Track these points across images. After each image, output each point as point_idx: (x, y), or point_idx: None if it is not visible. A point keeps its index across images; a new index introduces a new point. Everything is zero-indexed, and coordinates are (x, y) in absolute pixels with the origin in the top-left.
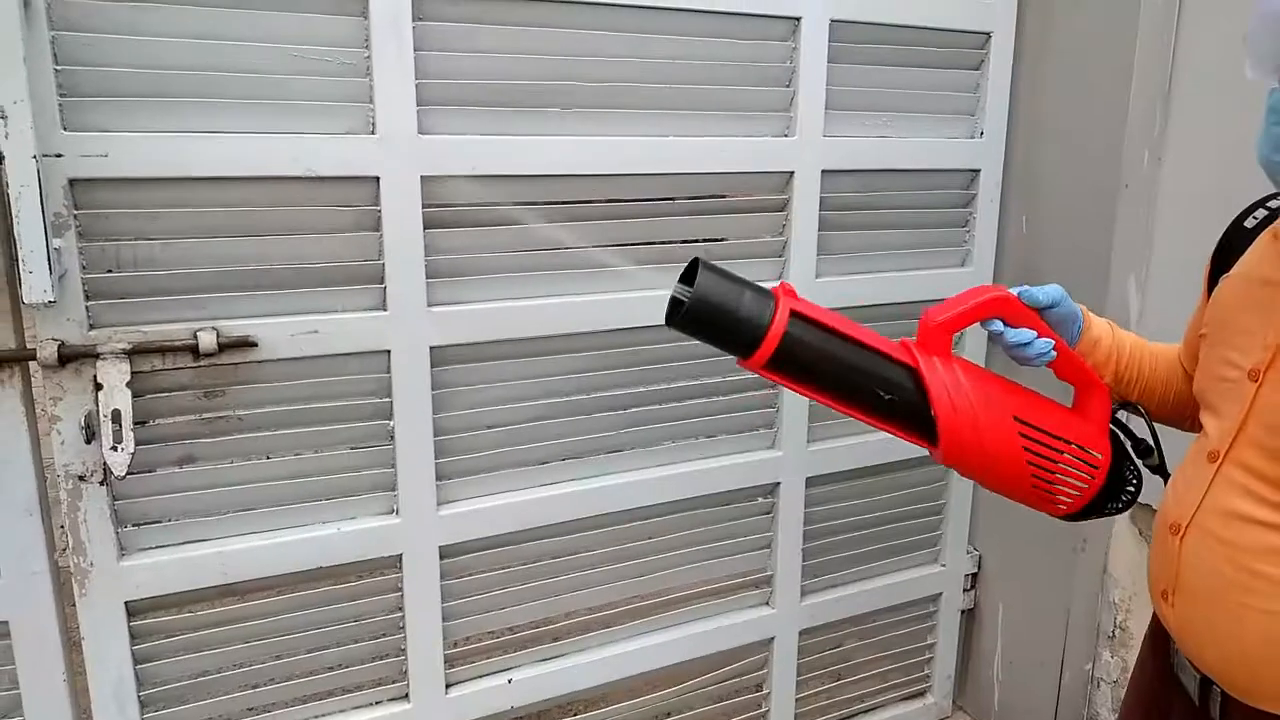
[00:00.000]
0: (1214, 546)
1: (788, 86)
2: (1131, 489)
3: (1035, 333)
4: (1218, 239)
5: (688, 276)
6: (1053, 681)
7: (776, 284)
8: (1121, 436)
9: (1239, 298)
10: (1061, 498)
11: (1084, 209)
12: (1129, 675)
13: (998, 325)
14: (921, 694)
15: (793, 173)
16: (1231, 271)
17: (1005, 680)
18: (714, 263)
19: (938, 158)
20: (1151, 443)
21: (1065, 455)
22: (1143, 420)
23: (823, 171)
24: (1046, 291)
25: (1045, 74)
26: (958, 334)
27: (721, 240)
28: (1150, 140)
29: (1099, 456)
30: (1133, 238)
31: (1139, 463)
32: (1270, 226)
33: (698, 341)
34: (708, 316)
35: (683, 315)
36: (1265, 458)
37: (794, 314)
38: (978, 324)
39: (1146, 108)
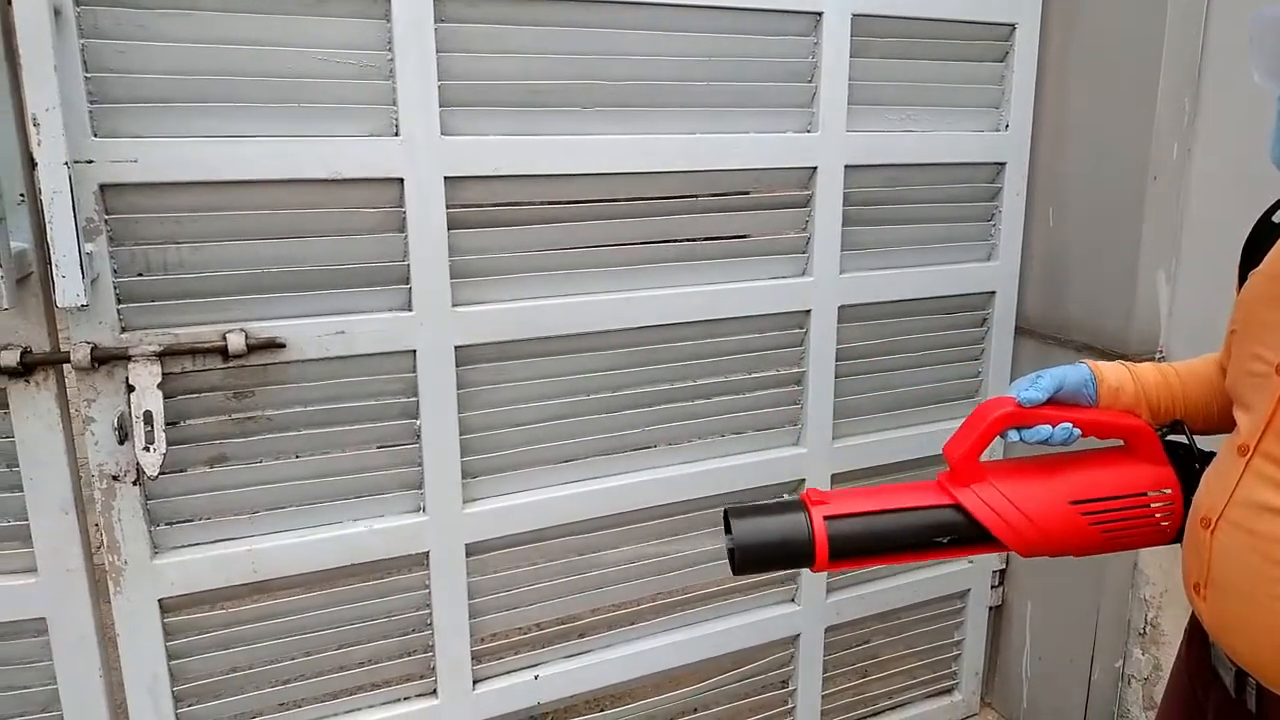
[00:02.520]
0: (1243, 539)
1: (810, 82)
2: None
3: (1050, 427)
4: (1247, 234)
5: (728, 527)
6: (1082, 679)
7: (803, 491)
8: (1182, 455)
9: (1265, 293)
10: (1149, 537)
11: (1111, 202)
12: (1160, 673)
13: (1013, 435)
14: (949, 691)
15: (815, 168)
16: (1259, 267)
17: (1034, 677)
18: (740, 506)
19: (962, 151)
20: (1203, 452)
21: (1131, 508)
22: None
23: (846, 166)
24: (1040, 387)
25: (1071, 65)
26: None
27: (745, 237)
28: (1179, 131)
29: (1166, 491)
30: (1162, 231)
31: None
32: None
33: (725, 338)
34: (757, 556)
35: (737, 565)
36: None
37: (827, 519)
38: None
39: (1175, 98)
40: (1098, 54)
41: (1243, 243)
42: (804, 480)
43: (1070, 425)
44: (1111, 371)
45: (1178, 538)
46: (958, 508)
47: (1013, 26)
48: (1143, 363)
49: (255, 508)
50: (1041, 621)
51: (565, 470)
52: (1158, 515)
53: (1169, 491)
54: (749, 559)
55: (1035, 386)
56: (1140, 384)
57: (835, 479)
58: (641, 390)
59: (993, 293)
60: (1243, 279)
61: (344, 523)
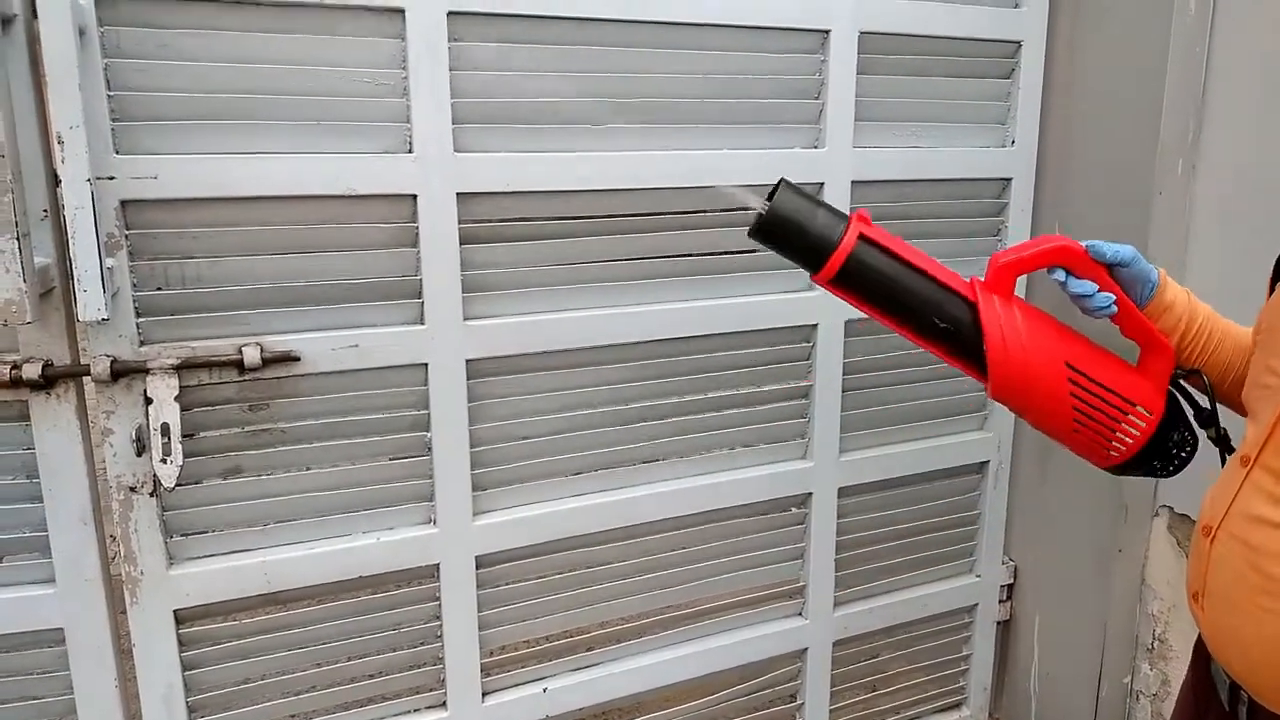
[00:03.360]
0: (1239, 550)
1: (817, 99)
2: (1183, 451)
3: (1096, 285)
4: (1261, 257)
5: (774, 194)
6: (1090, 694)
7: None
8: (1181, 400)
9: None
10: (1103, 445)
11: (1117, 217)
12: (1169, 688)
13: (1060, 274)
14: (957, 705)
15: (823, 184)
16: None
17: (1042, 692)
18: (796, 183)
19: (969, 167)
20: (1212, 411)
21: (1109, 405)
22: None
23: (852, 182)
24: (1116, 250)
25: (1076, 82)
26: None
27: (754, 251)
28: (1184, 148)
29: (1147, 413)
30: (1168, 246)
31: (1198, 430)
32: None
33: (733, 352)
34: (781, 230)
35: (757, 226)
36: None
37: (862, 236)
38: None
39: (1180, 115)
40: (1103, 71)
41: (1262, 271)
42: (811, 494)
43: (1113, 296)
44: (1174, 290)
45: (1118, 468)
46: (972, 305)
47: (1019, 44)
48: (1203, 304)
49: (269, 519)
50: (1049, 636)
51: (574, 483)
52: (1124, 431)
53: (1149, 415)
54: (771, 226)
55: (1108, 245)
56: (1189, 317)
57: (843, 492)
58: (650, 404)
59: None
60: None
61: (355, 535)
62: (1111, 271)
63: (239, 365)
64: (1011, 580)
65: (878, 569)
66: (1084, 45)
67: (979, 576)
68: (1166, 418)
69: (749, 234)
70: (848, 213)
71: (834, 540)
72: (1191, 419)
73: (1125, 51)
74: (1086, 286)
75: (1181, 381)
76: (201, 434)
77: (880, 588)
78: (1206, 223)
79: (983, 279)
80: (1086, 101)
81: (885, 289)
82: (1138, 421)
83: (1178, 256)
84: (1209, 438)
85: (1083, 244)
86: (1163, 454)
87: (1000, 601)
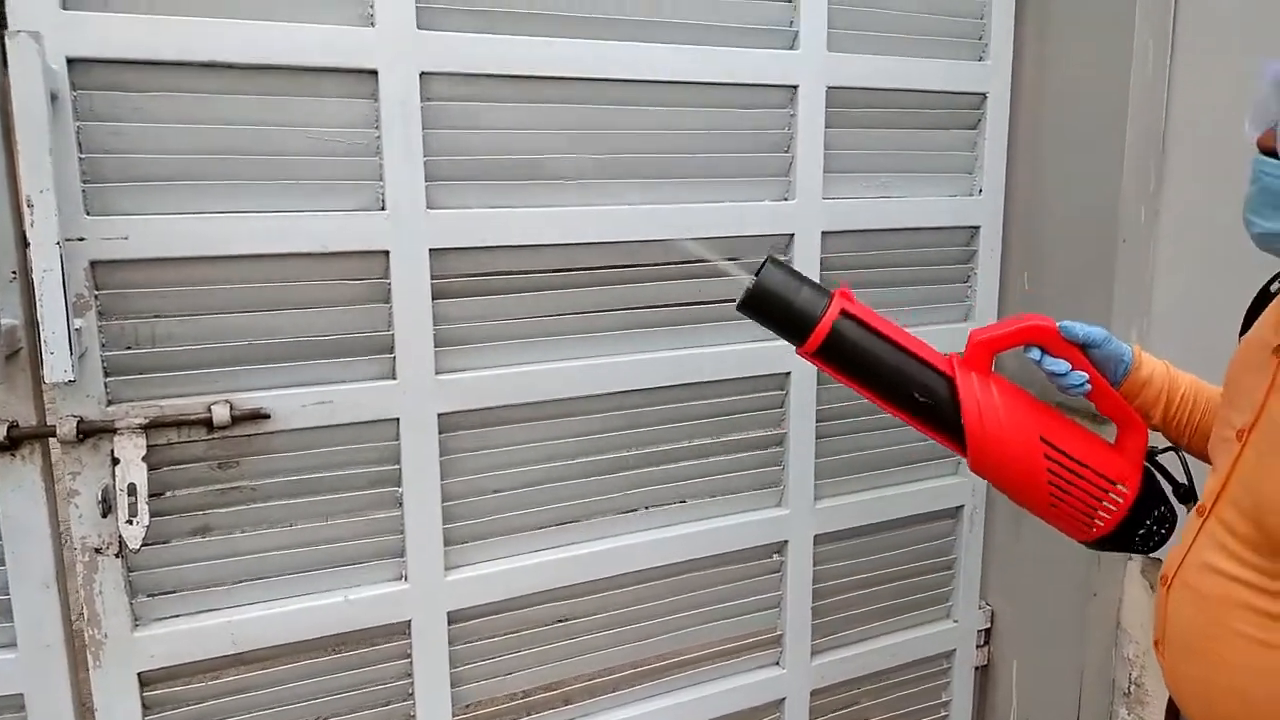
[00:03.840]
0: (1192, 599)
1: (787, 152)
2: (1161, 529)
3: (1069, 364)
4: (1224, 302)
5: (761, 270)
6: None
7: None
8: (1159, 477)
9: (1246, 359)
10: (1081, 521)
11: (1084, 264)
12: None
13: (1035, 353)
14: None
15: (793, 235)
16: (1247, 334)
17: None
18: (782, 259)
19: (937, 216)
20: (1190, 487)
21: (1085, 481)
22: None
23: (823, 233)
24: (1087, 331)
25: (1041, 132)
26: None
27: (727, 301)
28: (1146, 196)
29: (1124, 489)
30: (1132, 292)
31: (1176, 505)
32: None
33: (707, 401)
34: (766, 304)
35: (744, 299)
36: (1239, 514)
37: (844, 312)
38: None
39: (1141, 164)
40: (1066, 122)
41: (1225, 316)
42: (787, 542)
43: (1086, 375)
44: (1151, 366)
45: (1094, 544)
46: (950, 380)
47: (984, 95)
48: (1184, 374)
49: (237, 578)
50: (1028, 681)
51: (548, 535)
52: (1101, 505)
53: (1125, 491)
54: (757, 301)
55: (1080, 325)
56: (1169, 390)
57: (818, 539)
58: (624, 454)
59: None
60: None
61: (325, 592)
62: (1084, 351)
63: (208, 424)
64: (989, 625)
65: (855, 616)
66: (1047, 97)
67: (956, 622)
68: (1143, 494)
69: (737, 307)
70: (831, 290)
71: (810, 588)
72: (1170, 495)
73: (1087, 103)
74: (1060, 365)
75: (1157, 458)
76: (170, 493)
77: (858, 635)
78: (1171, 270)
79: (961, 355)
80: (1051, 151)
81: (866, 363)
82: (1114, 498)
83: (1143, 304)
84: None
85: (1056, 324)
86: (1140, 530)
87: (978, 647)
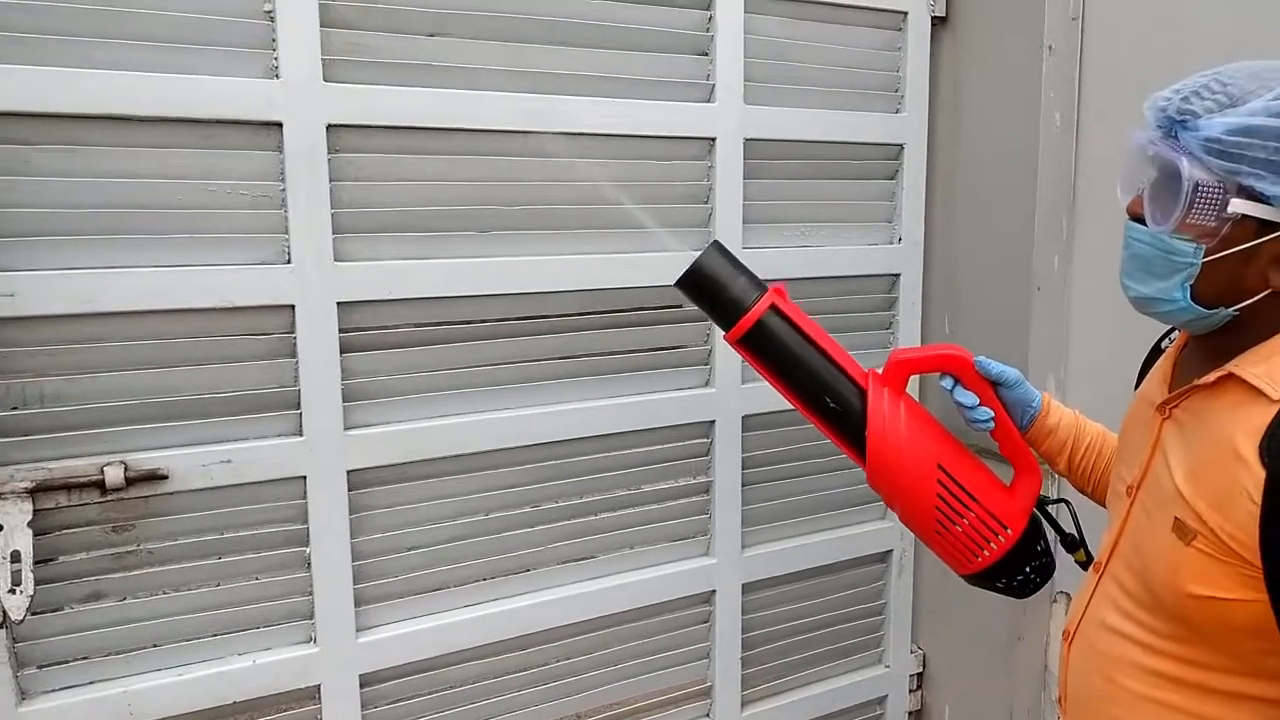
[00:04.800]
0: (1089, 656)
1: (706, 203)
2: (1037, 578)
3: (978, 399)
4: (1138, 349)
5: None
6: None
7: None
8: (1045, 524)
9: (1135, 415)
10: (960, 554)
11: (1001, 310)
12: None
13: (948, 382)
14: None
15: None
16: (1138, 389)
17: None
18: (726, 248)
19: (859, 264)
20: (1077, 538)
21: (971, 514)
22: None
23: None
24: (1001, 370)
25: (958, 183)
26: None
27: (651, 350)
28: (1059, 245)
29: (1007, 529)
30: (1049, 338)
31: (1058, 553)
32: (1169, 349)
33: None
34: (702, 285)
35: (682, 278)
36: (1129, 571)
37: (774, 307)
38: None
39: (1053, 214)
40: (981, 172)
41: (1138, 362)
42: (715, 591)
43: (991, 412)
44: (1059, 414)
45: (971, 577)
46: (862, 391)
47: (901, 146)
48: (1094, 424)
49: (134, 645)
50: None
51: (466, 593)
52: (982, 541)
53: (1009, 532)
54: (694, 280)
55: (995, 363)
56: (1074, 439)
57: (747, 588)
58: (544, 507)
59: None
60: None
61: (229, 657)
62: (996, 390)
63: (100, 486)
64: (921, 669)
65: (786, 664)
66: (962, 148)
67: (888, 667)
68: (1025, 540)
69: (675, 284)
70: (767, 285)
71: (740, 638)
72: (1055, 543)
73: (1000, 154)
74: (969, 398)
75: (1048, 507)
76: (61, 558)
77: (790, 683)
78: (1086, 317)
79: (880, 371)
80: (967, 200)
81: (786, 359)
82: (996, 536)
83: (1060, 349)
84: (1077, 562)
85: (973, 358)
86: (1019, 575)
87: (910, 691)
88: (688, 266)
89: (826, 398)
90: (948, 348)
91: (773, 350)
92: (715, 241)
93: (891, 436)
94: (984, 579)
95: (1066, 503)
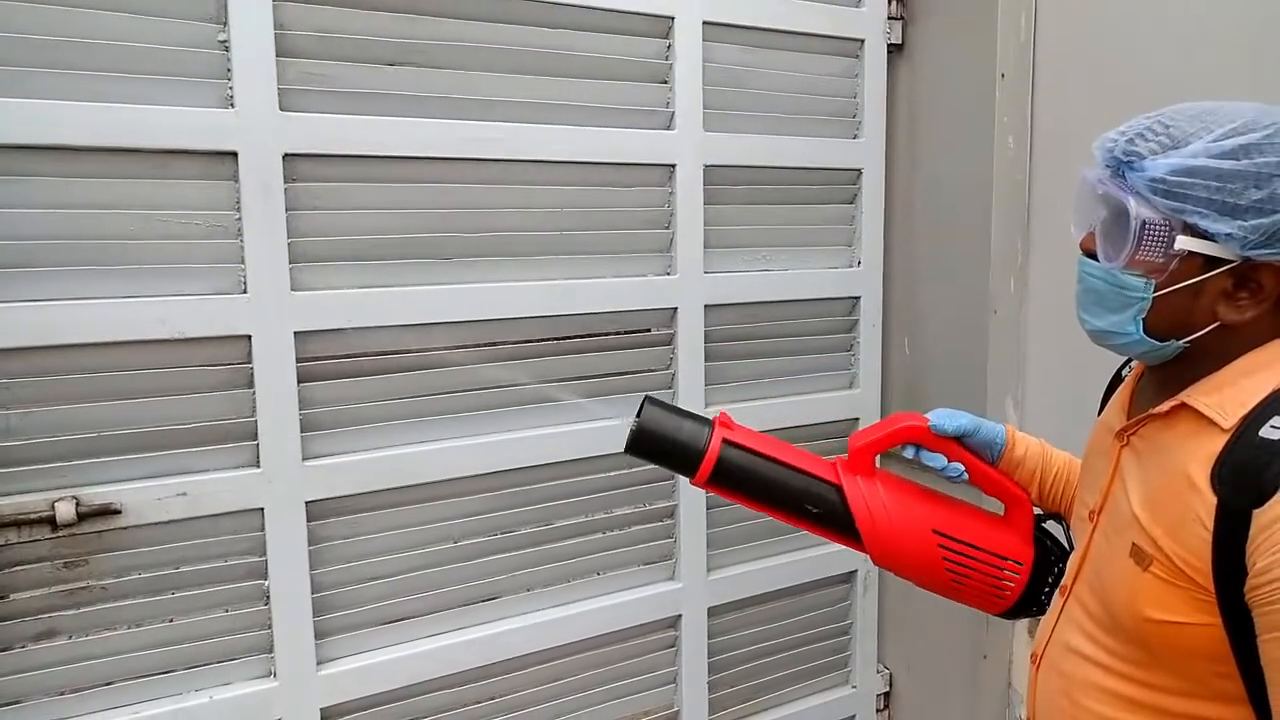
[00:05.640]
0: (1054, 678)
1: (667, 228)
2: (1059, 585)
3: (945, 458)
4: (1093, 371)
5: (641, 411)
6: None
7: (717, 413)
8: (1049, 544)
9: (1095, 442)
10: (988, 598)
11: (959, 333)
12: None
13: (909, 451)
14: None
15: (676, 309)
16: (1100, 416)
17: None
18: (659, 398)
19: (819, 287)
20: (1069, 549)
21: (981, 563)
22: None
23: (705, 306)
24: (957, 425)
25: (915, 207)
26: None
27: (612, 375)
28: (1014, 269)
29: (1019, 564)
30: (1005, 361)
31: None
32: (1128, 378)
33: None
34: (650, 445)
35: (630, 443)
36: (1091, 595)
37: (726, 441)
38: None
39: (1008, 239)
40: (937, 197)
41: (1094, 383)
42: (680, 616)
43: (961, 466)
44: (1024, 445)
45: (1007, 614)
46: (838, 489)
47: (859, 171)
48: (1060, 452)
49: (88, 684)
50: None
51: (429, 623)
52: (1001, 582)
53: (1022, 566)
54: (642, 442)
55: (950, 420)
56: (1042, 468)
57: (713, 611)
58: (508, 534)
59: (856, 419)
60: None
61: (186, 694)
62: (960, 441)
63: (51, 522)
64: (888, 689)
65: (754, 687)
66: (919, 172)
67: (855, 687)
68: (1038, 562)
69: (624, 450)
70: (711, 420)
71: (706, 661)
72: (1065, 558)
73: (956, 178)
74: (937, 460)
75: (1045, 525)
76: (11, 596)
77: (758, 705)
78: (1042, 340)
79: (844, 458)
80: (925, 224)
81: (755, 485)
82: (1010, 574)
83: (1016, 372)
84: None
85: (927, 421)
86: (1041, 593)
87: (878, 711)
88: (630, 432)
89: (807, 505)
90: (900, 419)
91: (740, 481)
92: (647, 396)
93: (881, 521)
94: (1019, 610)
95: (1059, 517)
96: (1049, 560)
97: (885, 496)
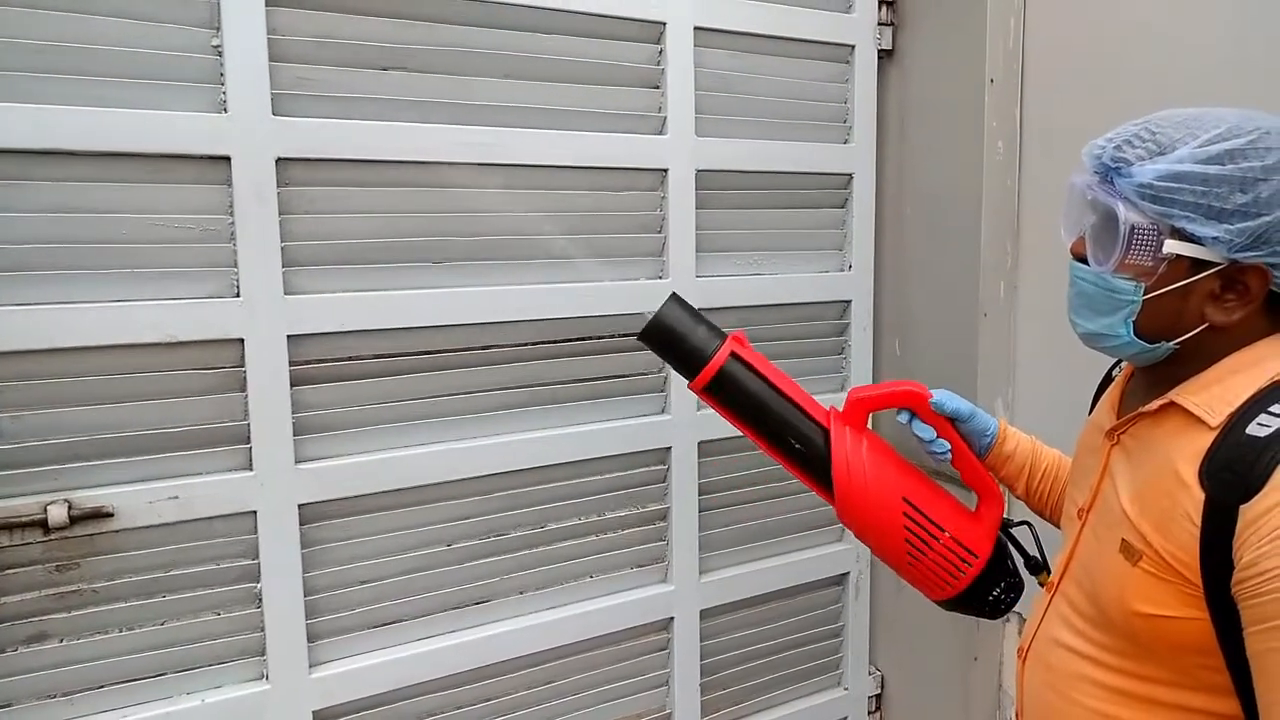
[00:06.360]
0: (1041, 672)
1: (659, 232)
2: (1008, 597)
3: (935, 431)
4: (1082, 372)
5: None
6: None
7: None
8: (1011, 547)
9: (1086, 440)
10: (933, 581)
11: (949, 336)
12: None
13: (905, 417)
14: None
15: None
16: (1090, 416)
17: None
18: (684, 299)
19: (810, 291)
20: (1041, 560)
21: (939, 543)
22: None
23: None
24: (955, 407)
25: (906, 211)
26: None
27: (604, 379)
28: (1004, 272)
29: (974, 555)
30: (996, 363)
31: (1024, 575)
32: (1118, 378)
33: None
34: (663, 337)
35: (643, 331)
36: (1079, 590)
37: (735, 354)
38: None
39: (998, 242)
40: (928, 201)
41: (1083, 385)
42: (673, 618)
43: (948, 445)
44: (1015, 440)
45: (946, 604)
46: (825, 431)
47: (850, 176)
48: (1050, 449)
49: (79, 687)
50: None
51: (422, 626)
52: (952, 568)
53: (976, 559)
54: (655, 332)
55: (950, 400)
56: (1031, 464)
57: (705, 614)
58: (500, 538)
59: None
60: None
61: (178, 696)
62: (953, 422)
63: (44, 525)
64: (879, 690)
65: (746, 689)
66: (909, 177)
67: (846, 689)
68: (992, 563)
69: (637, 337)
70: (726, 333)
71: (698, 664)
72: (1021, 566)
73: (946, 182)
74: (926, 431)
75: (1012, 530)
76: (2, 599)
77: (749, 708)
78: (1031, 341)
79: (840, 410)
80: (915, 228)
81: (749, 405)
82: (963, 563)
83: (1006, 374)
84: (1040, 584)
85: (930, 394)
86: (987, 596)
87: (870, 713)
88: (648, 320)
89: (791, 439)
90: (903, 384)
91: (736, 396)
92: (673, 294)
93: (856, 473)
94: (958, 604)
95: (1029, 525)
96: (1004, 563)
97: (867, 454)
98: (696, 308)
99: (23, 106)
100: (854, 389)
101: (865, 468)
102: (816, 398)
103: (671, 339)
